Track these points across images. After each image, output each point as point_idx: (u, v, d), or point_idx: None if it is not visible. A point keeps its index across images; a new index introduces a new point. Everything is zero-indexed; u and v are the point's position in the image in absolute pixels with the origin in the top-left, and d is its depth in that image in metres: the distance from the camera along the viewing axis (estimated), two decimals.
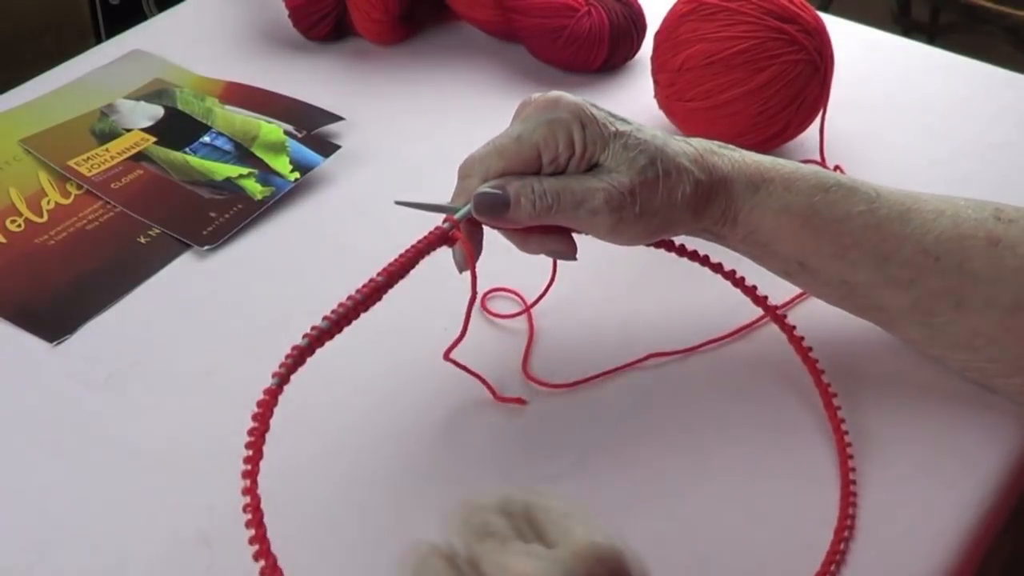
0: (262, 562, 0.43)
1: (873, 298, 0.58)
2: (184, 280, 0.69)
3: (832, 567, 0.52)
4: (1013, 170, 0.78)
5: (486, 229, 0.57)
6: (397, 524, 0.54)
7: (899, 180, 0.61)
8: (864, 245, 0.57)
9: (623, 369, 0.62)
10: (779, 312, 0.61)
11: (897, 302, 0.58)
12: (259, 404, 0.46)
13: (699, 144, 0.58)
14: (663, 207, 0.55)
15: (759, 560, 0.53)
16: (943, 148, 0.80)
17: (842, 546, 0.53)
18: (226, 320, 0.66)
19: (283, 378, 0.47)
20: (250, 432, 0.45)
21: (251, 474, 0.45)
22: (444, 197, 0.58)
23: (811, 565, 0.52)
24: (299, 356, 0.48)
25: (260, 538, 0.43)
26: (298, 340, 0.49)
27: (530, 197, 0.54)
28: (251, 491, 0.44)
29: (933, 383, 0.61)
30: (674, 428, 0.59)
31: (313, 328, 0.49)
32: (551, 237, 0.57)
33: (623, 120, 0.57)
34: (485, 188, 0.54)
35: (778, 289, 0.61)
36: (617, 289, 0.68)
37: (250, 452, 0.45)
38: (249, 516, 0.43)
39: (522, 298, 0.66)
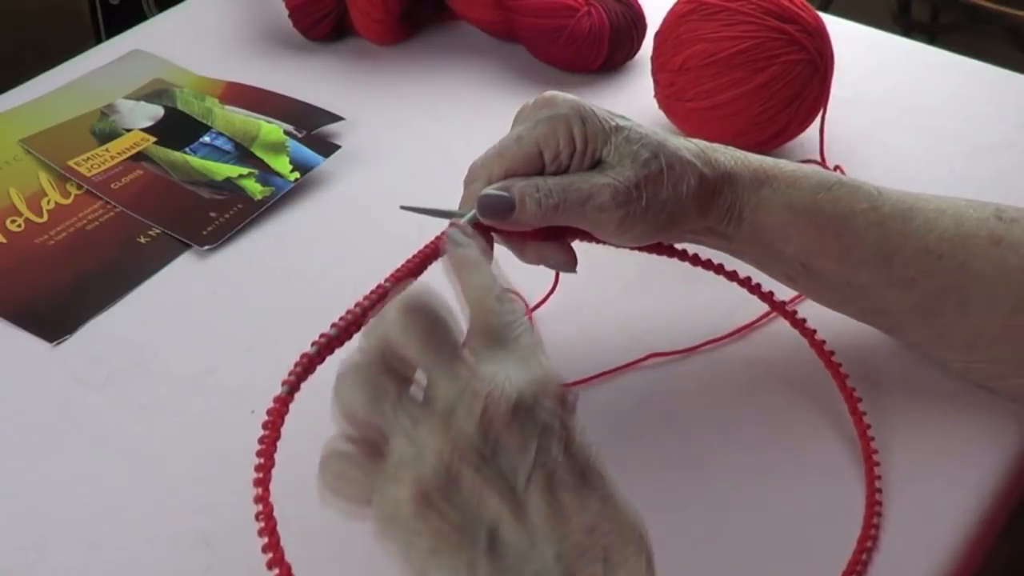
0: (276, 570, 0.42)
1: (876, 300, 0.58)
2: (184, 280, 0.69)
3: None
4: (1013, 170, 0.78)
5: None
6: None
7: (899, 180, 0.61)
8: (867, 244, 0.57)
9: (623, 369, 0.62)
10: (797, 318, 0.60)
11: (900, 303, 0.58)
12: (269, 412, 0.46)
13: (699, 142, 0.58)
14: (669, 201, 0.55)
15: (760, 563, 0.53)
16: (943, 148, 0.80)
17: (864, 556, 0.52)
18: (226, 320, 0.66)
19: (293, 386, 0.47)
20: (261, 440, 0.45)
21: (263, 482, 0.44)
22: (445, 196, 0.58)
23: (823, 568, 0.52)
24: (308, 364, 0.47)
25: (273, 546, 0.43)
26: (298, 340, 0.48)
27: (535, 196, 0.53)
28: (263, 498, 0.44)
29: (935, 383, 0.61)
30: (675, 429, 0.59)
31: (322, 335, 0.48)
32: (549, 246, 0.56)
33: (622, 117, 0.57)
34: (489, 190, 0.54)
35: (779, 292, 0.61)
36: (617, 290, 0.68)
37: (261, 460, 0.45)
38: (262, 524, 0.43)
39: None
